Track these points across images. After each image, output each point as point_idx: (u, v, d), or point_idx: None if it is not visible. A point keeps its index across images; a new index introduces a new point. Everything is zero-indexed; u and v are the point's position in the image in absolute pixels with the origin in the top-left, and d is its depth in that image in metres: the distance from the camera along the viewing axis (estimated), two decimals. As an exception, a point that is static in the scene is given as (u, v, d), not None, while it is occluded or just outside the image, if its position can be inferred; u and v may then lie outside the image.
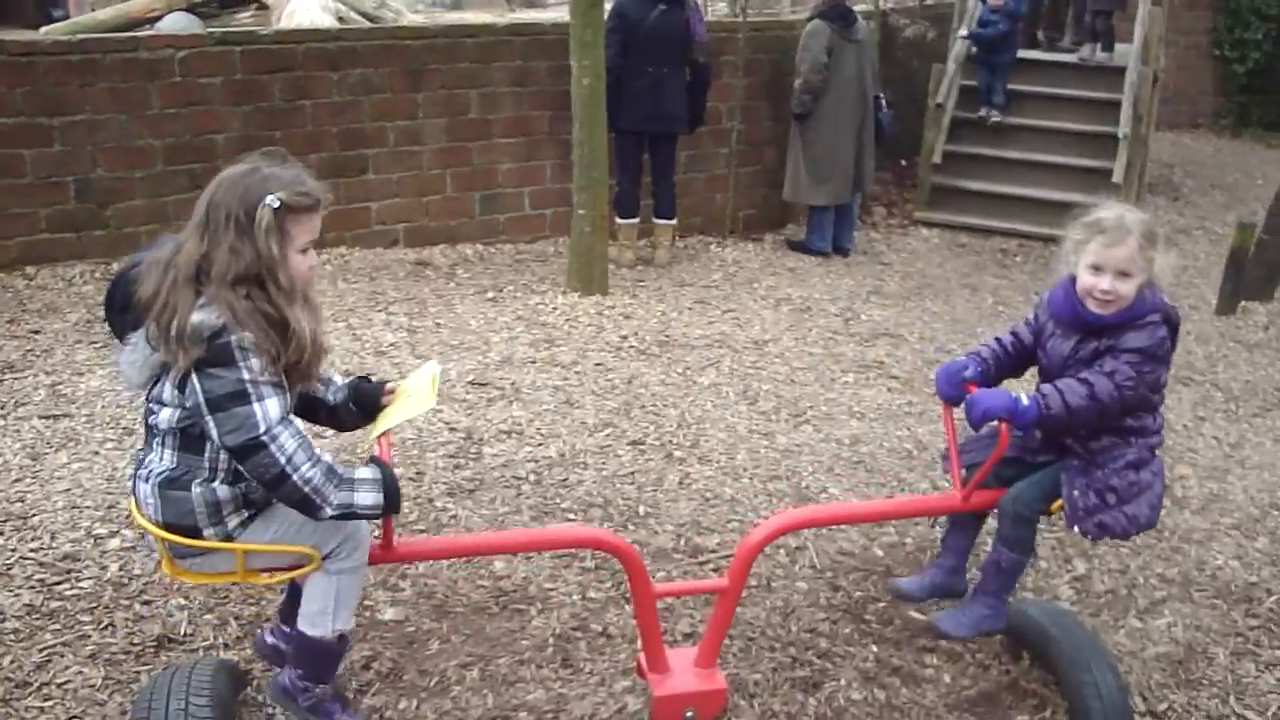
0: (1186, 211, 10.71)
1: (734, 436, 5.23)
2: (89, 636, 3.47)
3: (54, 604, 3.63)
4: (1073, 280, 3.16)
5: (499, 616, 3.75)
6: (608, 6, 7.41)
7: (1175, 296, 7.91)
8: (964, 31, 9.87)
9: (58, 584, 3.74)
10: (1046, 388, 3.21)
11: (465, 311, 6.83)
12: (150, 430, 2.75)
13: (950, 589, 3.80)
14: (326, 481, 2.63)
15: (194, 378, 2.56)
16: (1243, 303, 7.71)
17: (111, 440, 4.80)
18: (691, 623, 3.73)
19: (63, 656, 3.37)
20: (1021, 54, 10.41)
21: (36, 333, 6.06)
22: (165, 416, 2.68)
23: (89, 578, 3.78)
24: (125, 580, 3.77)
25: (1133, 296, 3.06)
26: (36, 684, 3.25)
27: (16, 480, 4.42)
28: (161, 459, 2.72)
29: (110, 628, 3.53)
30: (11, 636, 3.45)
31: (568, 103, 7.04)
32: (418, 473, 4.67)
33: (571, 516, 4.39)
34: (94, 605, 3.63)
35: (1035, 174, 9.84)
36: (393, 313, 6.73)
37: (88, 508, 4.23)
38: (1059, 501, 3.17)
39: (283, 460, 2.56)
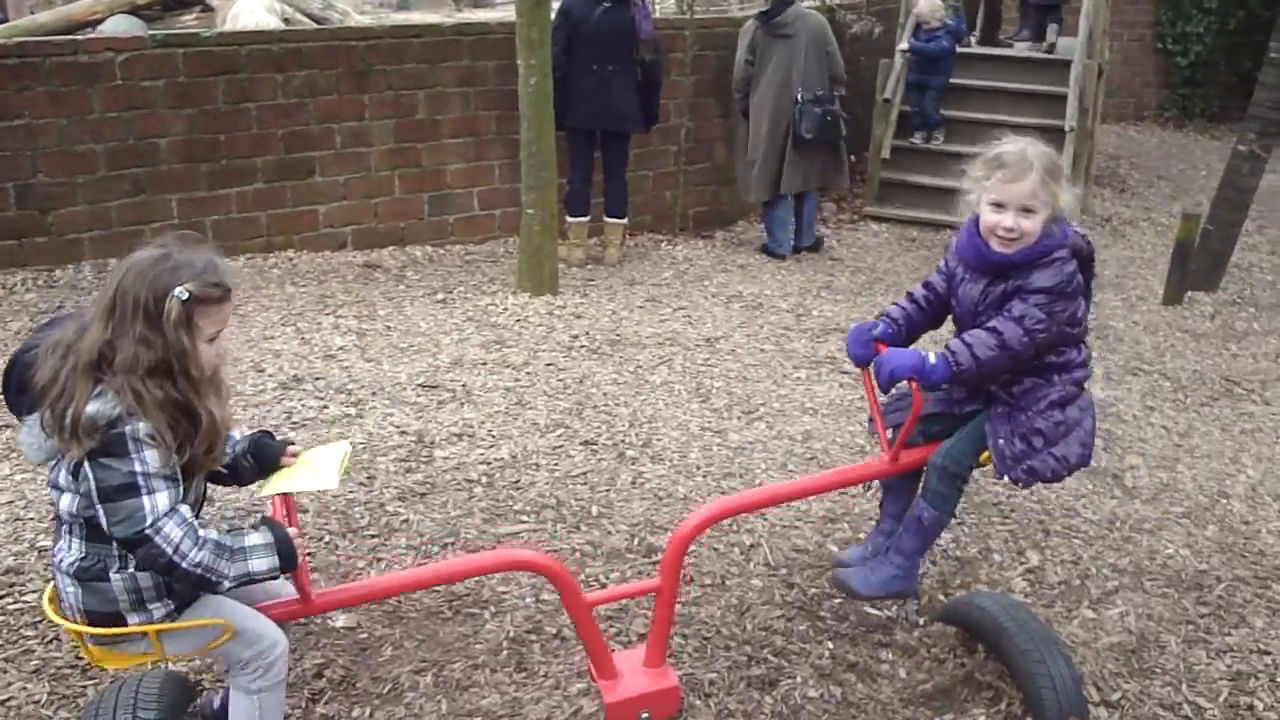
0: (1132, 203, 10.83)
1: (686, 434, 5.22)
2: (33, 651, 3.41)
3: (-4, 619, 3.56)
4: (976, 221, 3.07)
5: (452, 621, 3.72)
6: (555, 5, 7.39)
7: (1122, 287, 8.02)
8: (904, 45, 9.90)
9: (0, 599, 3.67)
10: (955, 343, 3.12)
11: (415, 313, 6.78)
12: (58, 518, 2.70)
13: None
14: (217, 559, 2.59)
15: (86, 466, 2.51)
16: (1189, 293, 7.80)
17: (54, 450, 4.71)
18: (645, 621, 3.71)
19: (5, 673, 3.31)
20: (965, 50, 10.49)
21: (-24, 342, 5.95)
22: (65, 504, 2.63)
23: (32, 591, 3.71)
24: (69, 593, 3.70)
25: (1038, 232, 2.97)
26: (-22, 702, 3.19)
27: (-44, 493, 4.34)
28: (70, 548, 2.66)
29: (55, 642, 3.46)
30: (-48, 654, 3.38)
31: (515, 102, 7.00)
32: (369, 477, 4.63)
33: (524, 519, 4.37)
34: (38, 620, 3.56)
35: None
36: (341, 315, 6.66)
37: (31, 520, 4.15)
38: (987, 452, 3.11)
39: (169, 551, 2.52)
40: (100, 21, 8.91)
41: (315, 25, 8.95)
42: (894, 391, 3.46)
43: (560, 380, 5.79)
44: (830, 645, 3.69)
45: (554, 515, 4.40)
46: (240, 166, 7.38)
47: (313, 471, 2.93)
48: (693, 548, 4.21)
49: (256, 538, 2.69)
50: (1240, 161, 7.73)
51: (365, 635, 3.61)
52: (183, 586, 2.67)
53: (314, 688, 3.35)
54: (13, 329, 6.09)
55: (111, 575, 2.63)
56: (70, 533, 2.66)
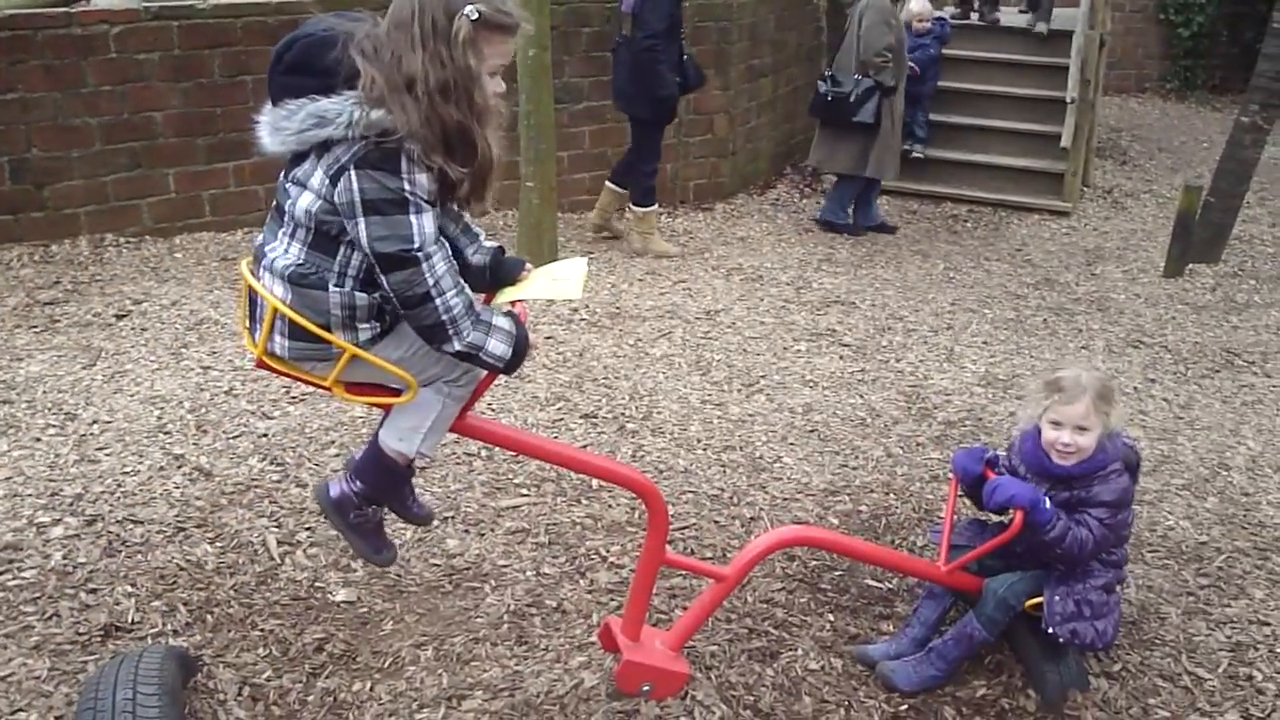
0: (1134, 175, 10.78)
1: (687, 407, 5.21)
2: (33, 627, 3.40)
3: (-5, 594, 3.55)
4: (1037, 431, 3.36)
5: (453, 595, 3.72)
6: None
7: (1124, 259, 8.00)
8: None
9: (0, 574, 3.66)
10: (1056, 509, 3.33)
11: (414, 287, 6.74)
12: (280, 212, 2.61)
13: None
14: (465, 315, 2.55)
15: (352, 174, 2.43)
16: (1190, 265, 7.78)
17: (54, 426, 4.70)
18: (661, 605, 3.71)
19: (5, 649, 3.29)
20: (963, 22, 10.43)
21: (-26, 317, 5.93)
22: (304, 204, 2.53)
23: (32, 567, 3.70)
24: (70, 569, 3.70)
25: (1093, 448, 3.27)
26: (-22, 677, 3.18)
27: (-45, 469, 4.33)
28: (288, 251, 2.58)
29: (55, 617, 3.45)
30: (-48, 629, 3.38)
31: (513, 74, 6.95)
32: (368, 452, 4.62)
33: (525, 492, 4.36)
34: (37, 595, 3.55)
35: (984, 140, 9.86)
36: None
37: (29, 496, 4.14)
38: (1038, 599, 3.33)
39: (430, 282, 2.48)
40: (95, -6, 8.85)
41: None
42: (969, 517, 3.77)
43: (560, 353, 5.77)
44: (831, 618, 3.70)
45: (554, 489, 4.39)
46: (238, 140, 7.32)
47: (552, 282, 2.87)
48: (694, 520, 4.22)
49: (504, 322, 2.65)
50: (1242, 133, 7.70)
51: (365, 609, 3.61)
52: (394, 319, 2.63)
53: (315, 662, 3.34)
54: (9, 304, 6.06)
55: (330, 287, 2.57)
56: (293, 235, 2.58)
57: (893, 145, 8.35)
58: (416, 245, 2.46)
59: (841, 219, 8.56)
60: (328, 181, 2.49)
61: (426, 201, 2.49)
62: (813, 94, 8.54)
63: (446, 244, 2.58)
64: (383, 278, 2.51)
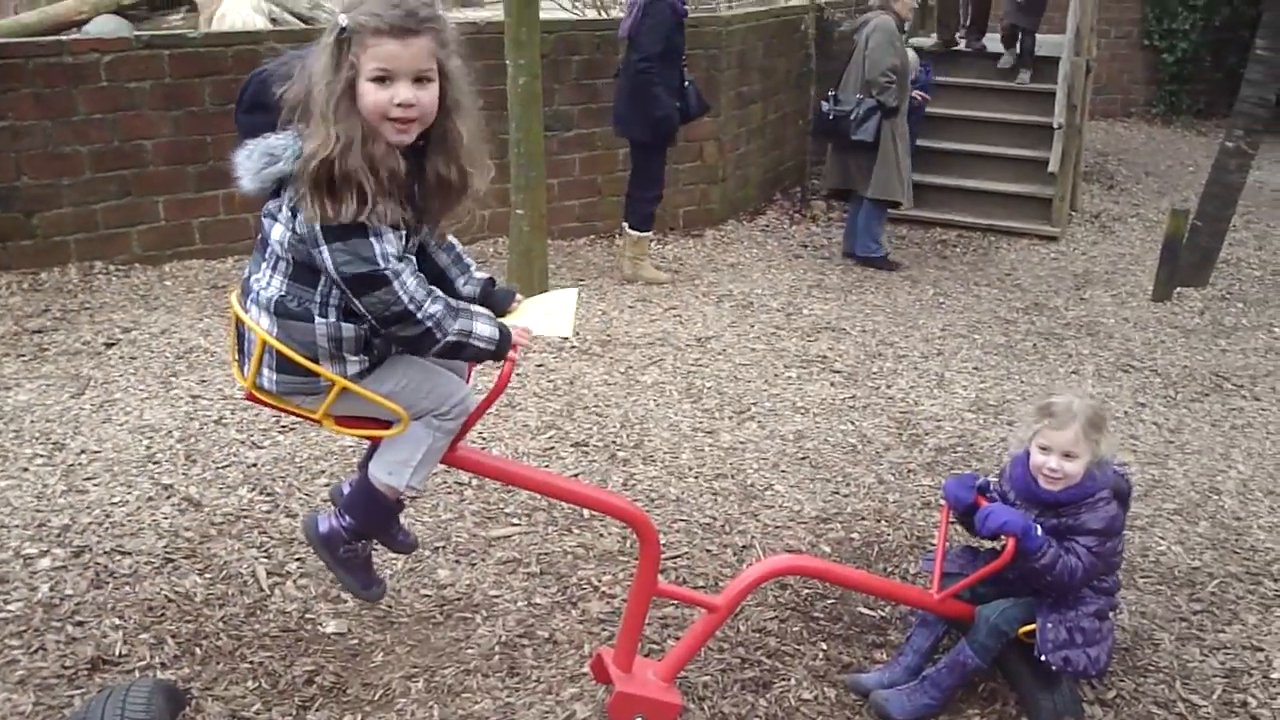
0: (1121, 199, 10.83)
1: (678, 435, 5.20)
2: (18, 661, 3.37)
3: (-18, 628, 3.52)
4: (1027, 456, 3.37)
5: (444, 626, 3.70)
6: (543, 5, 7.33)
7: (1112, 283, 8.02)
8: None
9: (-14, 607, 3.64)
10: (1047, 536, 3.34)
11: (405, 315, 6.73)
12: (263, 244, 2.61)
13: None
14: (447, 314, 2.57)
15: (309, 202, 2.42)
16: (1178, 289, 7.80)
17: (41, 456, 4.68)
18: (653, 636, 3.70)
19: (-8, 682, 3.27)
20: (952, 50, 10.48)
21: (-38, 347, 5.90)
22: (275, 236, 2.54)
23: (18, 600, 3.67)
24: (56, 601, 3.67)
25: (1080, 475, 3.28)
26: (-36, 712, 3.15)
27: (-58, 500, 4.30)
28: (271, 283, 2.58)
29: (41, 651, 3.42)
30: (-62, 663, 3.34)
31: (504, 102, 6.96)
32: (358, 481, 4.60)
33: (516, 521, 4.34)
34: (23, 628, 3.52)
35: (972, 164, 9.89)
36: (330, 318, 6.62)
37: (16, 527, 4.11)
38: (1032, 626, 3.34)
39: (405, 298, 2.48)
40: (85, 22, 8.85)
41: (303, 25, 8.91)
42: (961, 544, 3.76)
43: (551, 381, 5.76)
44: (824, 646, 3.68)
45: (546, 518, 4.37)
46: (228, 168, 7.12)
47: (547, 317, 2.88)
48: (686, 548, 4.21)
49: (483, 310, 2.68)
50: (1227, 158, 7.74)
51: (356, 641, 3.58)
52: (383, 344, 2.64)
53: (304, 694, 3.32)
54: (-2, 333, 6.05)
55: (316, 317, 2.56)
56: (274, 267, 2.58)
57: (899, 168, 8.28)
58: (383, 265, 2.46)
59: (875, 251, 8.44)
60: (289, 213, 2.51)
61: (387, 225, 2.48)
62: (813, 116, 8.49)
63: (412, 259, 2.57)
64: (356, 302, 2.51)
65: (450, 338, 2.59)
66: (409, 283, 2.50)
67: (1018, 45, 10.13)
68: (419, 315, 2.52)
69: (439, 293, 2.59)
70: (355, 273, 2.45)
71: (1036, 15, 9.98)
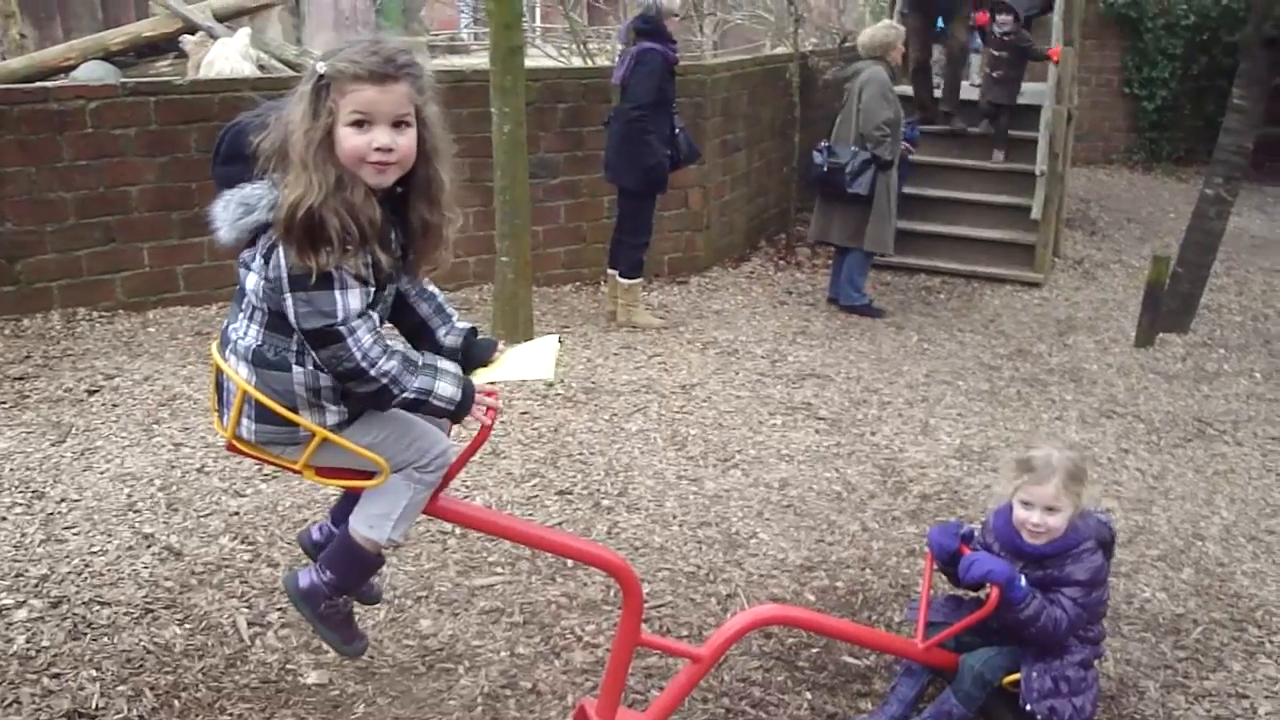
0: (1103, 245, 10.91)
1: (662, 483, 5.19)
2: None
3: (-43, 680, 3.48)
4: (1009, 509, 3.37)
5: (426, 676, 3.66)
6: (528, 54, 7.39)
7: (1095, 329, 8.06)
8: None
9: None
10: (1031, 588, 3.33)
11: (389, 361, 6.72)
12: (240, 293, 2.61)
13: None
14: (404, 371, 2.56)
15: (279, 251, 2.44)
16: (1160, 334, 7.85)
17: (20, 504, 4.64)
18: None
19: (-34, 735, 3.23)
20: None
21: (-58, 394, 5.87)
22: (250, 285, 2.55)
23: (-4, 649, 3.64)
24: (33, 653, 3.62)
25: (1063, 528, 3.28)
26: (-62, 766, 3.11)
27: (-81, 550, 4.25)
28: (247, 333, 2.59)
29: (15, 705, 3.38)
30: (-89, 716, 3.30)
31: (489, 149, 6.99)
32: (341, 529, 4.57)
33: (499, 570, 4.32)
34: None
35: (955, 211, 9.96)
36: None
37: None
38: (1016, 675, 3.33)
39: (359, 355, 2.49)
40: (73, 68, 8.91)
41: (291, 72, 8.96)
42: (946, 593, 3.75)
43: (535, 429, 5.75)
44: (809, 695, 3.66)
45: (529, 566, 4.35)
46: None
47: (528, 363, 2.88)
48: (670, 597, 4.19)
49: (448, 365, 2.66)
50: (1207, 205, 7.81)
51: (337, 692, 3.55)
52: (355, 396, 2.63)
53: (284, 747, 3.28)
54: (-20, 380, 6.02)
55: (293, 366, 2.57)
56: (251, 317, 2.59)
57: (888, 220, 8.33)
58: (340, 319, 2.47)
59: (859, 300, 8.45)
60: (262, 261, 2.51)
61: (355, 277, 2.48)
62: (797, 164, 8.46)
63: (374, 316, 2.57)
64: (315, 354, 2.53)
65: (409, 394, 2.59)
66: (364, 339, 2.50)
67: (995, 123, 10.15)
68: (372, 372, 2.52)
69: (398, 348, 2.59)
70: (311, 327, 2.47)
71: (1012, 88, 10.00)
